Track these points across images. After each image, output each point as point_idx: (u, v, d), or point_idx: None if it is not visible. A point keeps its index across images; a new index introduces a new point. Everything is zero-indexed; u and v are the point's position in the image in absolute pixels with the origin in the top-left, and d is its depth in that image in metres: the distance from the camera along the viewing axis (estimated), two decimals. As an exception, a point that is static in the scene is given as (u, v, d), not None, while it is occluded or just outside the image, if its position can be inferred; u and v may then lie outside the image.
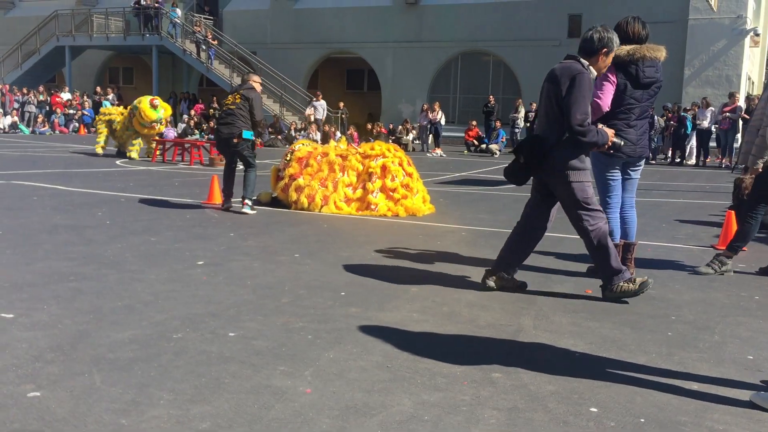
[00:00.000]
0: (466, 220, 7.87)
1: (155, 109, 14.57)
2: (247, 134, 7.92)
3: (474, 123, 23.06)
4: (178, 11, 26.98)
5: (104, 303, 3.98)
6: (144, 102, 14.63)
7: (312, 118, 22.86)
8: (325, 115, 23.42)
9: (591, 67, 4.37)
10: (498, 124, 22.43)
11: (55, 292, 4.16)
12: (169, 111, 15.44)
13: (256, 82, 8.28)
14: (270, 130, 23.27)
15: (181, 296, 4.20)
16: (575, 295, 4.58)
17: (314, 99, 23.64)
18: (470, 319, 3.95)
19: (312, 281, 4.72)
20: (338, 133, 22.37)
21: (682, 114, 18.89)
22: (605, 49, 4.37)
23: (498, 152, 21.62)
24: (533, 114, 22.26)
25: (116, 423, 2.46)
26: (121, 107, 16.90)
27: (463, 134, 23.59)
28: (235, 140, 7.85)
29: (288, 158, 8.70)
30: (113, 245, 5.63)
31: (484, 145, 22.28)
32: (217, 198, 8.52)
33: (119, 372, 2.94)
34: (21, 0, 33.55)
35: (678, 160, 19.16)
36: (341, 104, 25.35)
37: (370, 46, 27.12)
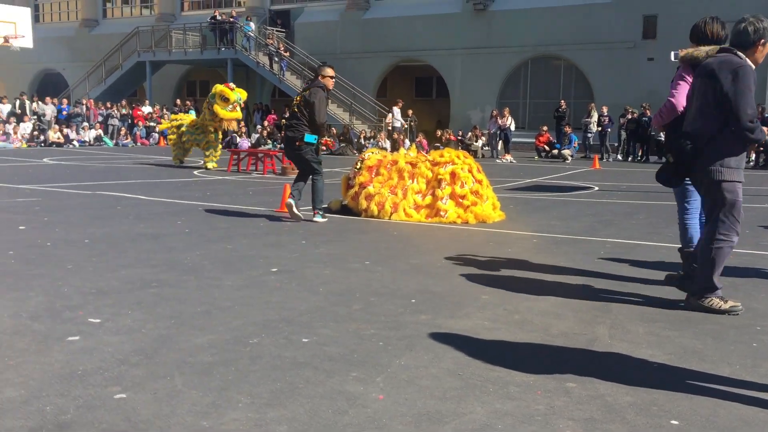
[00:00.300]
0: (538, 227, 7.77)
1: (232, 91, 14.95)
2: (309, 138, 7.69)
3: (545, 128, 22.75)
4: (252, 25, 27.71)
5: (184, 308, 4.12)
6: (220, 86, 15.09)
7: (390, 126, 22.95)
8: (400, 122, 23.51)
9: (748, 60, 4.13)
10: (569, 129, 22.05)
11: (138, 297, 4.34)
12: (245, 95, 15.71)
13: (326, 76, 7.94)
14: (340, 138, 23.56)
15: (256, 302, 4.31)
16: (652, 303, 4.46)
17: (395, 106, 23.69)
18: (543, 327, 3.90)
19: (382, 288, 4.76)
20: (407, 142, 22.46)
21: (766, 116, 18.12)
22: (762, 40, 4.15)
23: (570, 158, 21.26)
24: (606, 118, 21.82)
25: (198, 425, 2.55)
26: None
27: (533, 140, 23.30)
28: (297, 143, 7.71)
29: (358, 166, 8.80)
30: (192, 253, 5.82)
31: (555, 151, 21.94)
32: (290, 206, 8.68)
33: (199, 375, 3.04)
34: (104, 18, 35.11)
35: (762, 163, 18.37)
36: (410, 112, 25.45)
37: (439, 53, 27.15)
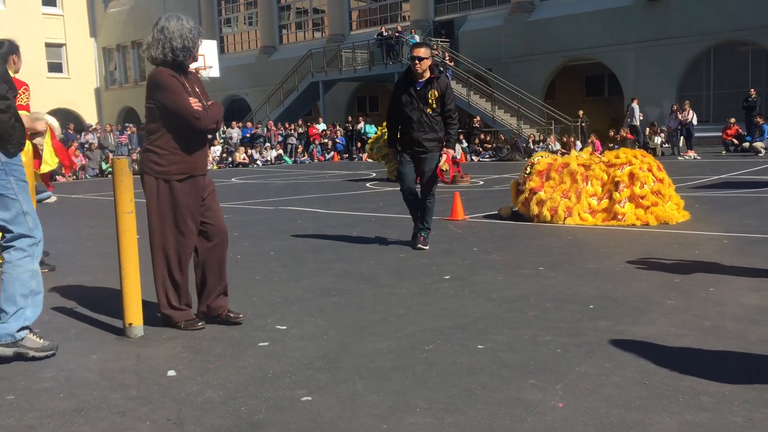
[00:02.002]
0: (728, 227, 7.19)
1: None
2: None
3: (732, 120, 21.00)
4: (417, 38, 28.19)
5: (362, 316, 4.28)
6: None
7: (630, 122, 21.98)
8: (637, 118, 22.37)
9: None
10: (760, 119, 20.18)
11: (319, 305, 4.56)
12: None
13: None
14: (508, 147, 23.29)
15: (431, 309, 4.37)
16: None
17: (632, 102, 22.79)
18: (738, 334, 3.60)
19: (558, 294, 4.63)
20: (578, 143, 21.71)
21: None
22: None
23: (764, 150, 19.46)
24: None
25: (378, 427, 2.63)
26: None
27: (719, 133, 21.60)
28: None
29: (528, 171, 8.64)
30: (367, 262, 6.02)
31: (746, 144, 20.18)
32: (460, 214, 8.71)
33: (378, 380, 3.14)
34: (281, 44, 37.43)
35: None
36: (581, 112, 24.61)
37: (610, 49, 26.00)
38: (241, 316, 4.16)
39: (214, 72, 24.30)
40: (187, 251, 4.05)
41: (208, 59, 24.00)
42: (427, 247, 6.56)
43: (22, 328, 3.48)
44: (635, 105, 22.47)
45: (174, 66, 3.96)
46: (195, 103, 3.89)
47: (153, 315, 4.16)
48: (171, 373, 3.31)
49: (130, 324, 3.89)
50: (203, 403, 2.92)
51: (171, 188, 3.95)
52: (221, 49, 37.93)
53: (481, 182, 14.56)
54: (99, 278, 5.56)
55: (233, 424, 2.70)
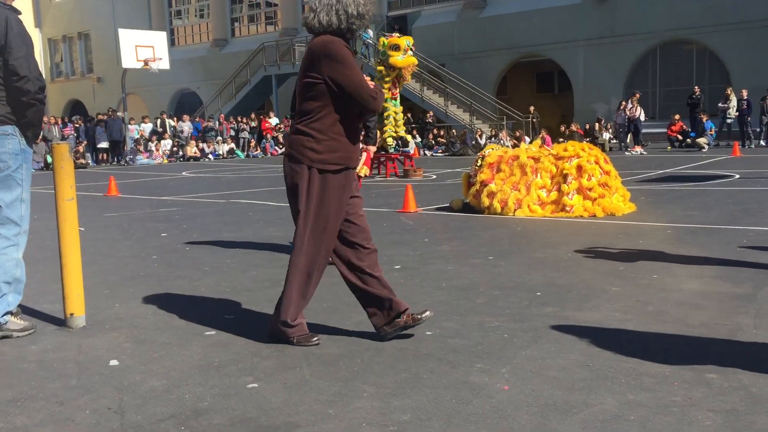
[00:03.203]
0: (672, 218, 7.37)
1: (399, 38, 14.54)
2: None
3: (677, 117, 21.55)
4: (370, 32, 28.16)
5: (311, 305, 4.22)
6: (384, 39, 14.70)
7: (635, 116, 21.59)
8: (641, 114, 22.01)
9: None
10: (704, 116, 20.75)
11: (268, 295, 4.51)
12: (412, 40, 15.01)
13: None
14: (460, 142, 23.45)
15: (381, 298, 4.35)
16: (804, 292, 4.11)
17: (633, 97, 22.37)
18: (679, 318, 3.69)
19: (507, 282, 4.68)
20: (527, 138, 22.00)
21: None
22: None
23: (707, 146, 20.02)
24: (745, 102, 20.38)
25: (324, 412, 2.61)
26: None
27: (665, 130, 22.14)
28: None
29: (479, 164, 8.71)
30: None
31: (690, 140, 20.73)
32: (412, 206, 8.74)
33: (326, 366, 3.12)
34: (233, 37, 36.95)
35: None
36: (532, 108, 24.94)
37: (560, 46, 26.42)
38: (426, 312, 3.49)
39: (164, 64, 23.82)
40: (326, 257, 3.43)
41: (157, 51, 23.52)
42: None
43: (6, 313, 3.64)
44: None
45: (344, 36, 3.35)
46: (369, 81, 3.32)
47: (98, 305, 4.05)
48: (113, 362, 3.23)
49: (72, 314, 3.79)
50: (146, 391, 2.86)
51: (324, 181, 3.30)
52: (172, 42, 37.25)
53: (434, 176, 14.64)
54: (40, 269, 5.39)
55: (177, 411, 2.65)
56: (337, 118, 3.29)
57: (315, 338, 3.45)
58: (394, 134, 15.32)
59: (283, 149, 3.45)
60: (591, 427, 2.41)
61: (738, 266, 4.88)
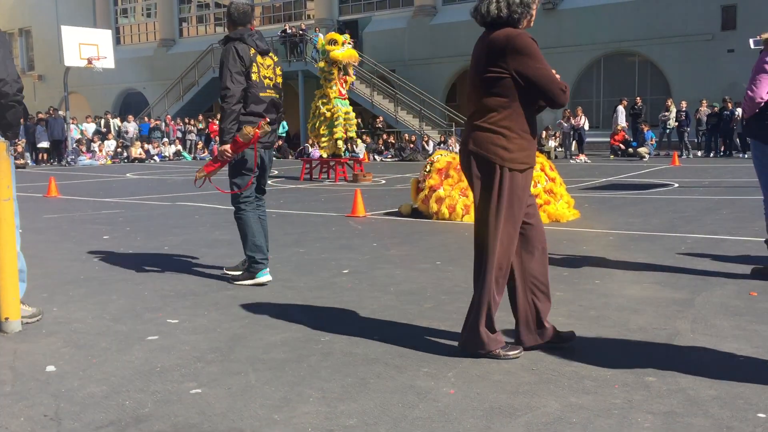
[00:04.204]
0: (614, 225, 7.55)
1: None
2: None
3: (619, 126, 22.09)
4: (321, 36, 28.11)
5: (258, 309, 4.20)
6: (321, 39, 15.00)
7: (619, 127, 21.82)
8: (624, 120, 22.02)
9: None
10: (645, 126, 21.34)
11: (214, 299, 4.44)
12: (348, 37, 15.39)
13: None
14: (411, 146, 23.58)
15: (328, 302, 4.34)
16: (738, 297, 4.25)
17: (620, 105, 22.34)
18: (621, 323, 3.77)
19: (454, 287, 4.71)
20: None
21: None
22: None
23: (647, 155, 20.59)
24: (684, 113, 21.04)
25: (270, 418, 2.58)
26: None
27: (608, 139, 22.69)
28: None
29: (427, 169, 8.77)
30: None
31: (631, 149, 21.29)
32: (361, 211, 8.74)
33: (272, 371, 3.08)
34: (181, 37, 36.37)
35: None
36: (481, 115, 25.17)
37: (508, 55, 26.79)
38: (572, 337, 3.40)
39: (108, 63, 23.27)
40: (510, 259, 3.24)
41: (101, 49, 22.96)
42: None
43: None
44: (621, 108, 22.35)
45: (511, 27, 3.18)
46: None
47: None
48: (50, 368, 3.13)
49: (6, 318, 3.65)
50: (84, 398, 2.78)
51: (513, 180, 3.14)
52: (117, 41, 36.47)
53: (384, 181, 14.67)
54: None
55: (116, 418, 2.58)
56: (523, 114, 3.16)
57: (518, 350, 3.25)
58: (344, 136, 15.29)
59: (462, 146, 3.27)
60: (534, 430, 2.44)
61: (677, 272, 5.02)
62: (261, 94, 4.80)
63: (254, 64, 4.74)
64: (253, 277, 4.85)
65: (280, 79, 5.02)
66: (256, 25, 5.05)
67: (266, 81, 4.85)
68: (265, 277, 4.85)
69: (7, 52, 3.67)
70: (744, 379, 2.87)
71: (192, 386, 2.90)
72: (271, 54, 4.95)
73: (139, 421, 2.55)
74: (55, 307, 4.26)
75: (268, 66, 4.89)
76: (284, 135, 26.44)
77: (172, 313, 4.09)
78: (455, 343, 3.44)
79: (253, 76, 4.73)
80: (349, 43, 14.98)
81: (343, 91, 15.18)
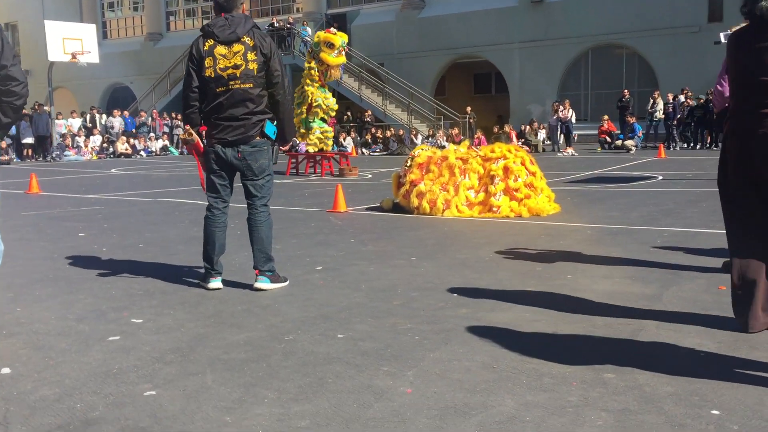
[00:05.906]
0: (594, 219, 7.54)
1: (335, 35, 14.52)
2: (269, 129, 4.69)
3: (605, 118, 22.12)
4: (309, 30, 27.97)
5: (225, 308, 4.16)
6: (322, 34, 14.62)
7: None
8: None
9: None
10: (632, 119, 21.36)
11: (182, 298, 4.40)
12: (346, 38, 15.14)
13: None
14: (395, 140, 23.53)
15: (297, 300, 4.31)
16: (706, 291, 4.24)
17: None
18: (586, 318, 3.75)
19: (425, 283, 4.69)
20: (461, 137, 22.23)
21: None
22: None
23: (634, 148, 20.61)
24: (671, 106, 21.07)
25: (221, 420, 2.55)
26: None
27: (596, 131, 22.71)
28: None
29: (408, 164, 8.73)
30: (240, 254, 5.88)
31: (618, 142, 21.31)
32: (342, 206, 8.70)
33: (231, 372, 3.05)
34: (168, 31, 36.15)
35: None
36: (468, 109, 25.21)
37: (497, 48, 26.81)
38: None
39: (93, 58, 23.11)
40: None
41: (86, 44, 22.79)
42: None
43: None
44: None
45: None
46: None
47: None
48: (5, 370, 3.09)
49: (-34, 320, 3.61)
50: (35, 401, 2.74)
51: None
52: (104, 35, 36.25)
53: (370, 175, 14.62)
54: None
55: (65, 422, 2.54)
56: None
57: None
58: (329, 119, 15.29)
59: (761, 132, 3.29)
60: (487, 429, 2.42)
61: (649, 267, 5.01)
62: (218, 89, 4.46)
63: (210, 57, 4.43)
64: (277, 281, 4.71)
65: (254, 65, 4.44)
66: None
67: (229, 71, 4.41)
68: (212, 284, 4.66)
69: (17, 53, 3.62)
70: (702, 375, 2.86)
71: (147, 388, 2.87)
72: (244, 38, 4.44)
73: (88, 425, 2.51)
74: (19, 307, 4.21)
75: (236, 53, 4.43)
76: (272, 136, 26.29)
77: (138, 313, 4.05)
78: (420, 341, 3.42)
79: (207, 72, 4.43)
80: (344, 50, 14.91)
81: (324, 80, 15.05)
